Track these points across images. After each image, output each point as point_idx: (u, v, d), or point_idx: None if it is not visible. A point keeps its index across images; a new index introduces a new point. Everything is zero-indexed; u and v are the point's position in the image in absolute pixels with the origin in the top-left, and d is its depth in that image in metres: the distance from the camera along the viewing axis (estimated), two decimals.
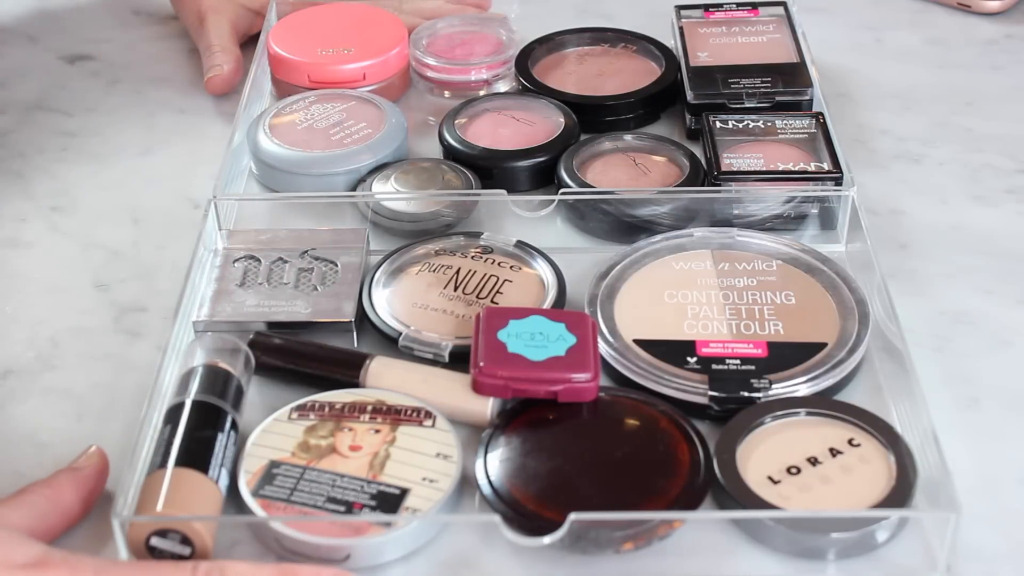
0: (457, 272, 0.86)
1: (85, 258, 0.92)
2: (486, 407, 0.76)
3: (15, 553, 0.66)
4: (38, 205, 0.97)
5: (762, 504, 0.71)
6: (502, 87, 1.05)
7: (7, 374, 0.83)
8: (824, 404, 0.76)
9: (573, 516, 0.68)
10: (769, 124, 0.95)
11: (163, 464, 0.71)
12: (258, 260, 0.87)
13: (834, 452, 0.74)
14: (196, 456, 0.71)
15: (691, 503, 0.71)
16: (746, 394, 0.77)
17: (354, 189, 0.94)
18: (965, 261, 0.90)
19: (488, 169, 0.94)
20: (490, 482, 0.72)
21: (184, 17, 1.13)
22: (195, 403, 0.74)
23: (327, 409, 0.76)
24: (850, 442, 0.74)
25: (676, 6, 1.09)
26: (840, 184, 0.89)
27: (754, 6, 1.09)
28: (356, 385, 0.78)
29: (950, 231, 0.93)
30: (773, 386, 0.77)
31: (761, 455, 0.74)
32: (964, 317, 0.85)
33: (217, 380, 0.76)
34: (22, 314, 0.88)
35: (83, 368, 0.83)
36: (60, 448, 0.77)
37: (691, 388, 0.77)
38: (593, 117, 1.00)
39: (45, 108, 1.07)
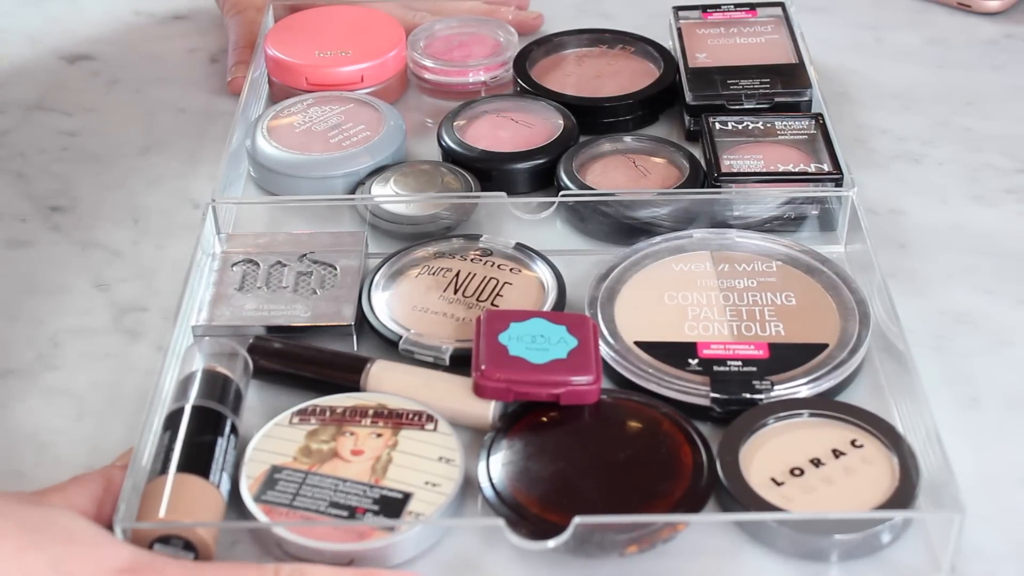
0: (457, 275, 0.86)
1: (85, 258, 0.92)
2: (488, 410, 0.76)
3: (108, 556, 0.65)
4: (38, 205, 0.97)
5: (765, 506, 0.71)
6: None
7: (7, 374, 0.83)
8: (826, 405, 0.76)
9: (577, 519, 0.68)
10: (768, 125, 0.95)
11: (164, 470, 0.70)
12: (257, 264, 0.87)
13: (837, 453, 0.74)
14: (197, 461, 0.71)
15: (694, 505, 0.71)
16: (748, 396, 0.77)
17: (353, 192, 0.94)
18: (965, 261, 0.90)
19: (487, 171, 0.94)
20: (493, 485, 0.72)
21: None
22: (194, 408, 0.74)
23: (328, 413, 0.76)
24: (853, 443, 0.74)
25: (674, 7, 1.09)
26: (840, 185, 0.89)
27: (752, 7, 1.08)
28: (357, 389, 0.78)
29: (950, 231, 0.93)
30: (775, 387, 0.77)
31: (764, 457, 0.74)
32: (964, 317, 0.85)
33: (216, 385, 0.76)
34: (22, 314, 0.87)
35: (83, 368, 0.83)
36: (60, 448, 0.77)
37: (693, 390, 0.77)
38: (592, 119, 0.99)
39: (45, 108, 1.07)
